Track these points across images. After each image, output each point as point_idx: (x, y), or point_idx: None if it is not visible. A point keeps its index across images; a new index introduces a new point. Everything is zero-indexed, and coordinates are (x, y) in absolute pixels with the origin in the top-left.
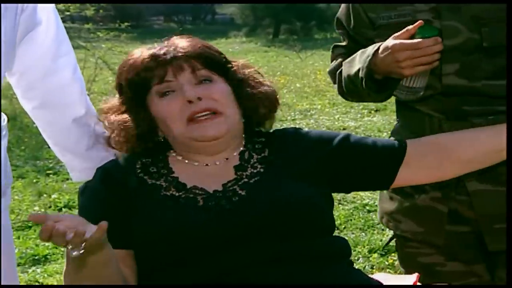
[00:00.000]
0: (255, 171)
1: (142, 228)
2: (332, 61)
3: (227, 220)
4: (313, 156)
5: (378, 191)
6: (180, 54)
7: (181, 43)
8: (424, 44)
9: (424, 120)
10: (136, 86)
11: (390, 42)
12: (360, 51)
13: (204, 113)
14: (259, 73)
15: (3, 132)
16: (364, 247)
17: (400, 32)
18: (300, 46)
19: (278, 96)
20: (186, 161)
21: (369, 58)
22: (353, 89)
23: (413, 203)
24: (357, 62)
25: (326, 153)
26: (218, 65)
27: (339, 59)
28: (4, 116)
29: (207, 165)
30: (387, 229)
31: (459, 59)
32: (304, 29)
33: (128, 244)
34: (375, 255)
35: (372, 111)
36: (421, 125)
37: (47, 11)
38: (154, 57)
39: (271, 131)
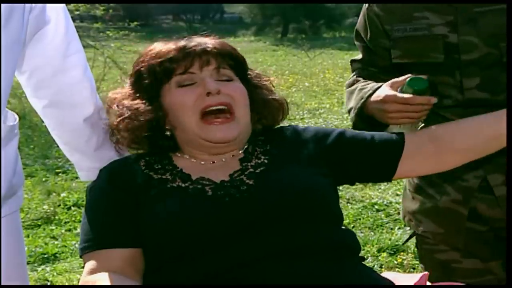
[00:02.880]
0: (259, 161)
1: (152, 220)
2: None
3: (239, 208)
4: (314, 148)
5: (391, 190)
6: (209, 49)
7: (209, 40)
8: (415, 101)
9: None
10: (157, 74)
11: (383, 91)
12: (361, 85)
13: (218, 107)
14: (272, 84)
15: (15, 131)
16: (373, 246)
17: (391, 81)
18: (309, 45)
19: (286, 108)
20: (193, 160)
21: (363, 100)
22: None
23: (434, 205)
24: (353, 98)
25: (325, 145)
26: (241, 68)
27: (354, 76)
28: (15, 116)
29: (213, 162)
30: (396, 228)
31: (479, 73)
32: (313, 28)
33: (137, 242)
34: (384, 254)
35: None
36: None
37: (56, 10)
38: (182, 48)
39: (267, 132)
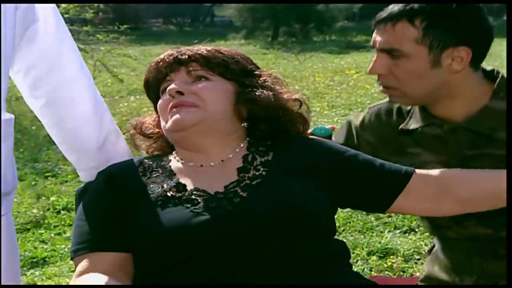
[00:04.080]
0: (257, 173)
1: (143, 229)
2: None
3: (228, 221)
4: (319, 164)
5: None
6: (184, 57)
7: (196, 48)
8: None
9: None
10: (151, 87)
11: None
12: None
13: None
14: (287, 89)
15: (12, 127)
16: (363, 249)
17: None
18: (299, 48)
19: (298, 110)
20: (184, 162)
21: None
22: None
23: None
24: None
25: (332, 164)
26: (224, 67)
27: None
28: (10, 115)
29: (201, 165)
30: (386, 232)
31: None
32: (303, 31)
33: (129, 247)
34: (374, 257)
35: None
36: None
37: (45, 9)
38: (161, 59)
39: (272, 139)
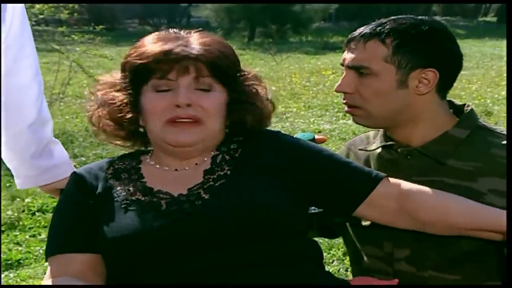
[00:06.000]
0: (222, 173)
1: (106, 233)
2: None
3: (187, 224)
4: (287, 164)
5: None
6: (192, 55)
7: (198, 42)
8: None
9: None
10: (138, 73)
11: None
12: None
13: (186, 120)
14: (265, 88)
15: None
16: (338, 250)
17: None
18: (275, 49)
19: (271, 113)
20: (158, 166)
21: None
22: None
23: None
24: None
25: (302, 164)
26: (226, 75)
27: None
28: None
29: (176, 170)
30: None
31: (411, 245)
32: (279, 32)
33: (97, 248)
34: None
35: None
36: None
37: (13, 11)
38: (166, 52)
39: (249, 136)
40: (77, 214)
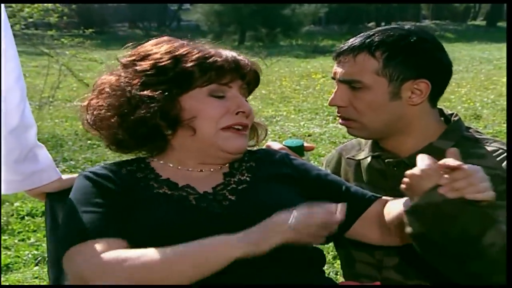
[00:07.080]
0: (242, 178)
1: (137, 223)
2: None
3: (218, 223)
4: (295, 175)
5: None
6: (252, 68)
7: (248, 59)
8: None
9: None
10: (195, 73)
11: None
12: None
13: (242, 127)
14: None
15: None
16: (328, 253)
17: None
18: (266, 52)
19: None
20: (179, 167)
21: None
22: None
23: None
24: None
25: (305, 178)
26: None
27: None
28: None
29: (201, 171)
30: None
31: (400, 254)
32: (270, 36)
33: (129, 236)
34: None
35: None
36: None
37: None
38: (233, 60)
39: (254, 150)
40: (109, 203)
